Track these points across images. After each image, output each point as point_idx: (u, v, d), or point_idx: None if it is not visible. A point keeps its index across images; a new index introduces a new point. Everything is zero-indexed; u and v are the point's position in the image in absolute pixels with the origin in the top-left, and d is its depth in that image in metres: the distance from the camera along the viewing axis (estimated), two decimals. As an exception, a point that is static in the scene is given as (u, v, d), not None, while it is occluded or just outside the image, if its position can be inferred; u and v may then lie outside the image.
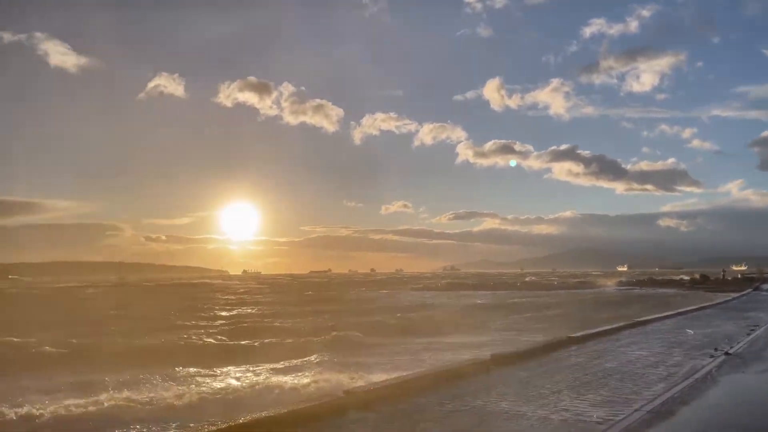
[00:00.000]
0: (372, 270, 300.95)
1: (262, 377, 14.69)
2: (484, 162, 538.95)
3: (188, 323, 30.06)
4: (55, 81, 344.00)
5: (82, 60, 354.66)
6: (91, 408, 10.74)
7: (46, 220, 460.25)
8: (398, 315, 33.90)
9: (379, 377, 11.77)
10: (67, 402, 11.34)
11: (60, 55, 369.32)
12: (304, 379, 13.54)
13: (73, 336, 23.64)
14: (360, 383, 10.29)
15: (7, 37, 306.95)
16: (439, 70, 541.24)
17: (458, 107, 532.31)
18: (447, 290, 74.91)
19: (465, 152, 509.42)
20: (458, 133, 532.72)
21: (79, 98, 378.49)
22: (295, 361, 17.13)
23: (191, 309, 41.61)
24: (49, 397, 12.03)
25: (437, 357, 16.55)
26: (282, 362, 17.01)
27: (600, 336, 13.73)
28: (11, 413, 10.47)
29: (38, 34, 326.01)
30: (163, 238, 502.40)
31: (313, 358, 17.82)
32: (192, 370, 15.12)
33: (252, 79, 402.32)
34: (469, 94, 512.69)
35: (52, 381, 14.26)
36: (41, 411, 10.64)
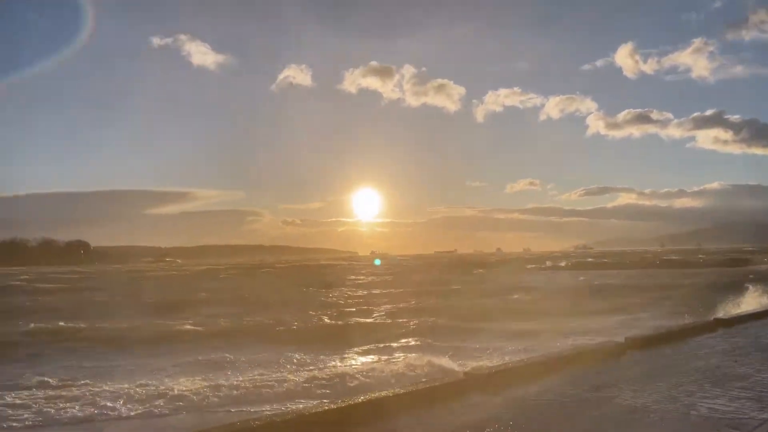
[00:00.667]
0: (498, 250, 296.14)
1: (366, 359, 14.94)
2: (617, 133, 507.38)
3: (305, 303, 31.04)
4: (198, 79, 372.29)
5: (220, 58, 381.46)
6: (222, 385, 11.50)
7: (197, 208, 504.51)
8: (514, 297, 32.48)
9: (484, 362, 11.48)
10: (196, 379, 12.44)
11: (201, 54, 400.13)
12: (406, 362, 13.54)
13: (214, 315, 25.65)
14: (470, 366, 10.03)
15: (156, 41, 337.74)
16: (565, 39, 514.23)
17: (587, 77, 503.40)
18: (576, 269, 71.29)
19: (596, 124, 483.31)
20: (588, 105, 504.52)
21: (218, 94, 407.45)
22: (394, 344, 17.09)
23: (311, 288, 43.37)
24: (182, 374, 13.20)
25: (549, 343, 15.74)
26: (382, 344, 17.09)
27: (755, 318, 12.30)
28: (140, 389, 11.41)
29: (182, 36, 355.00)
30: (298, 222, 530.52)
31: (412, 341, 17.70)
32: (297, 354, 15.52)
33: (374, 64, 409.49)
34: (599, 63, 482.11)
35: (184, 359, 15.50)
36: (173, 387, 11.55)
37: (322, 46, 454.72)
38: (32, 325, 22.40)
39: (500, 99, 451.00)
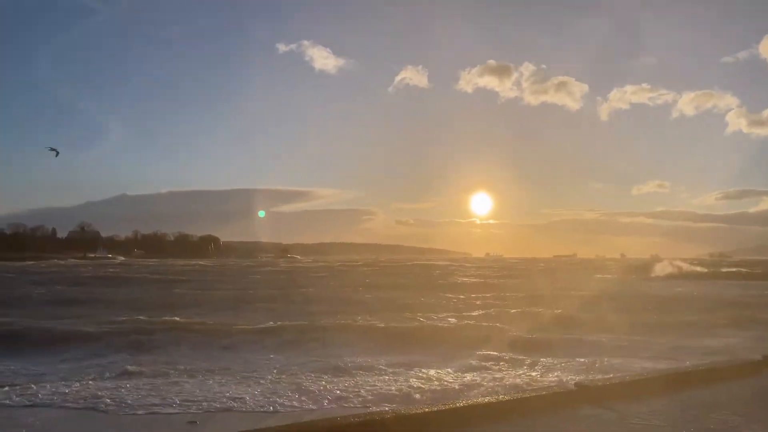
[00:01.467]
0: (622, 255, 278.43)
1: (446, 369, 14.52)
2: (762, 132, 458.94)
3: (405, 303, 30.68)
4: (320, 82, 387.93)
5: (340, 61, 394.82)
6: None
7: (317, 206, 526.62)
8: (636, 305, 29.76)
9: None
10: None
11: (322, 59, 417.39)
12: (481, 374, 13.13)
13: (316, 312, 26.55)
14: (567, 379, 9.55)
15: (282, 47, 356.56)
16: (700, 30, 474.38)
17: (727, 70, 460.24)
18: (709, 279, 65.30)
19: (737, 121, 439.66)
20: (727, 100, 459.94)
21: (338, 96, 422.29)
22: (494, 352, 16.37)
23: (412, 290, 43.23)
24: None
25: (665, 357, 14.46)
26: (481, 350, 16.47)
27: None
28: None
29: (305, 42, 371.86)
30: (411, 221, 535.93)
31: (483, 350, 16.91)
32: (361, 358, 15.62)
33: (491, 62, 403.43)
34: (741, 55, 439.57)
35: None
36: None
37: (438, 46, 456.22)
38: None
39: (627, 96, 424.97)
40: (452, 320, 23.53)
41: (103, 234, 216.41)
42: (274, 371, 13.40)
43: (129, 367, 13.83)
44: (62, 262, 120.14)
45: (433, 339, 18.76)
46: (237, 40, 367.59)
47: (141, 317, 22.16)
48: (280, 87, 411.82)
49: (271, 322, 21.02)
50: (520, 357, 15.39)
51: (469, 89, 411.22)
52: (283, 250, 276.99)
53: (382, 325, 21.05)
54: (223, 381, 12.40)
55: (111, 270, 74.41)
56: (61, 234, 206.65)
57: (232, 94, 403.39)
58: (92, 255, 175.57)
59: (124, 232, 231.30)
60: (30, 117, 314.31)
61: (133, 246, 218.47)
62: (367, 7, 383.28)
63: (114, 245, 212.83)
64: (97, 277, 57.59)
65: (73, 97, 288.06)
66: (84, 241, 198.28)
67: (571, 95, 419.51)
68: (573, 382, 6.82)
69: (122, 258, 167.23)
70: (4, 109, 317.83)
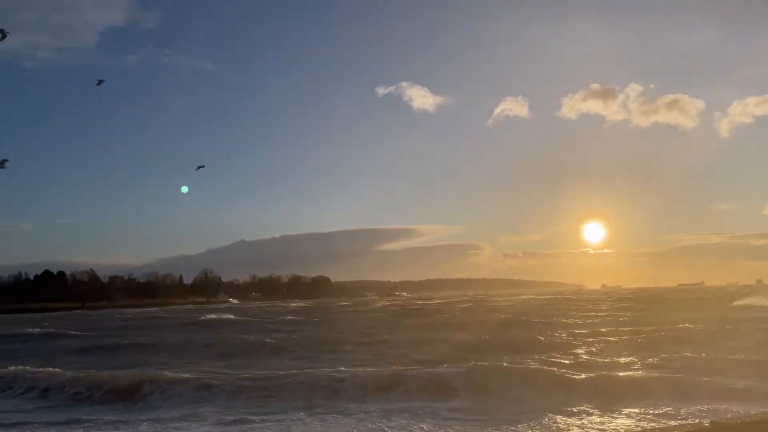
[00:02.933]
0: (758, 281, 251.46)
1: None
2: None
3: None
4: (419, 121, 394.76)
5: (438, 99, 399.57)
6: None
7: (421, 243, 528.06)
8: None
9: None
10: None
11: (420, 98, 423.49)
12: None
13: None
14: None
15: (381, 91, 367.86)
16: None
17: None
18: None
19: None
20: None
21: (438, 134, 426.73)
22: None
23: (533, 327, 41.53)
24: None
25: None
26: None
27: None
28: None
29: (404, 84, 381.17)
30: (520, 254, 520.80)
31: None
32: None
33: (595, 86, 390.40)
34: None
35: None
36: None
37: (537, 75, 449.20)
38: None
39: (749, 109, 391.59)
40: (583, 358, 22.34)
41: (224, 279, 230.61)
42: None
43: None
44: (190, 307, 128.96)
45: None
46: (338, 87, 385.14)
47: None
48: (380, 129, 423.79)
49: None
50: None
51: (573, 115, 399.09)
52: (391, 288, 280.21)
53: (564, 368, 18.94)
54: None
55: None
56: (187, 280, 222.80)
57: (337, 140, 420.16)
58: (214, 299, 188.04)
59: (242, 277, 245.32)
60: (159, 172, 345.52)
61: (251, 289, 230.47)
62: (461, 44, 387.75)
63: (234, 289, 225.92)
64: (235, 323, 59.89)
65: (195, 150, 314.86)
66: (207, 286, 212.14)
67: (684, 113, 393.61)
68: (708, 421, 6.69)
69: (236, 301, 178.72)
70: (134, 168, 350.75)
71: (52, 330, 48.56)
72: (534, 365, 19.39)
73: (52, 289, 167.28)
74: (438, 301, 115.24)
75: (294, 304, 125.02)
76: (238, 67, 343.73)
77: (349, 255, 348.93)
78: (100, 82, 49.14)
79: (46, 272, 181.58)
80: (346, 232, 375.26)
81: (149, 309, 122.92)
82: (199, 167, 52.88)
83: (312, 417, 13.92)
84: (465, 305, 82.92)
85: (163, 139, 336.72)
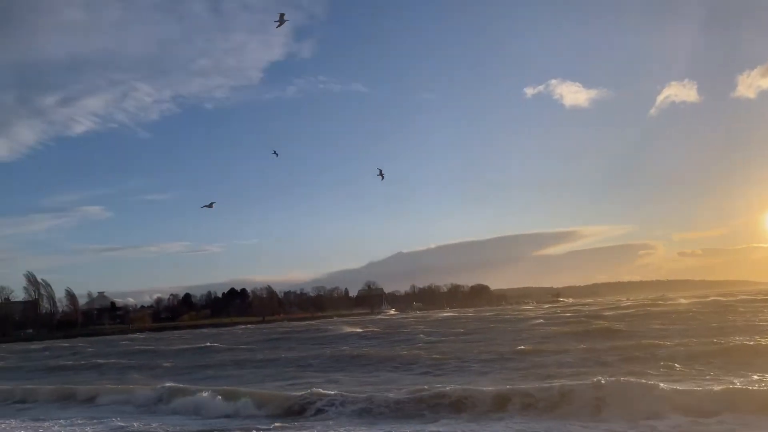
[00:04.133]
0: None
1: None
2: None
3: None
4: (572, 118, 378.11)
5: (592, 93, 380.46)
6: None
7: (584, 246, 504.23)
8: None
9: None
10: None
11: (573, 94, 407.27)
12: None
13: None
14: None
15: (530, 91, 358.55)
16: None
17: None
18: None
19: None
20: None
21: (594, 129, 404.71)
22: None
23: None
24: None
25: None
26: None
27: None
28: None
29: (553, 81, 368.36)
30: (699, 251, 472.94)
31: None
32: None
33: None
34: None
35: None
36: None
37: (705, 54, 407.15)
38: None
39: None
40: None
41: (386, 290, 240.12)
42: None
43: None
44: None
45: None
46: (486, 92, 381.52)
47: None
48: (532, 130, 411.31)
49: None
50: None
51: (751, 94, 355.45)
52: (555, 295, 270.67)
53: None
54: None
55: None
56: (352, 293, 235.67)
57: (487, 146, 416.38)
58: (377, 310, 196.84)
59: (403, 288, 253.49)
60: (322, 194, 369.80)
61: (411, 299, 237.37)
62: (611, 31, 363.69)
63: (395, 300, 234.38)
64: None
65: (353, 169, 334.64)
66: (370, 297, 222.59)
67: None
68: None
69: (393, 312, 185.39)
70: (300, 192, 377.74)
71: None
72: None
73: (237, 306, 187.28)
74: (629, 309, 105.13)
75: (445, 313, 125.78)
76: (390, 86, 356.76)
77: (507, 262, 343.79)
78: (276, 153, 56.57)
79: (232, 290, 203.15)
80: (502, 238, 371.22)
81: (316, 321, 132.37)
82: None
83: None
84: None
85: (323, 163, 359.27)
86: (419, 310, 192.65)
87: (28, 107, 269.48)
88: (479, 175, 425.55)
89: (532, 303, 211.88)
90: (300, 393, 18.53)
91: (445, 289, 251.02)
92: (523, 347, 30.19)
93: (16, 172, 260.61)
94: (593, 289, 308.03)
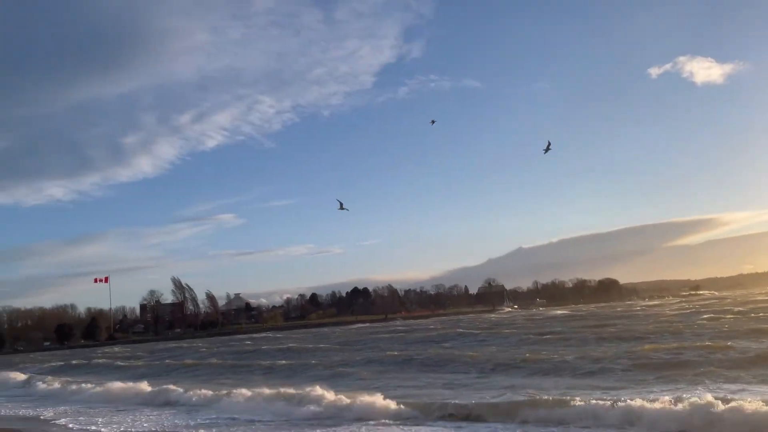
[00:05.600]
0: None
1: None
2: None
3: None
4: (706, 97, 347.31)
5: (727, 68, 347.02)
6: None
7: (725, 234, 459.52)
8: None
9: None
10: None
11: (705, 70, 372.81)
12: None
13: None
14: None
15: (655, 71, 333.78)
16: None
17: None
18: None
19: None
20: None
21: (730, 106, 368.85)
22: None
23: None
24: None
25: None
26: None
27: None
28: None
29: (681, 59, 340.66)
30: None
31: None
32: None
33: None
34: None
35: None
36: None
37: None
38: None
39: None
40: None
41: (507, 287, 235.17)
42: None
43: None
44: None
45: None
46: (605, 78, 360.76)
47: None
48: (659, 112, 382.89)
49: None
50: None
51: None
52: (693, 288, 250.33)
53: None
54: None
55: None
56: (472, 290, 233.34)
57: (608, 134, 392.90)
58: (499, 307, 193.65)
59: (524, 284, 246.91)
60: (439, 191, 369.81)
61: (534, 296, 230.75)
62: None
63: (517, 296, 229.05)
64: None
65: (469, 168, 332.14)
66: (491, 295, 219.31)
67: None
68: None
69: (511, 308, 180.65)
70: (412, 191, 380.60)
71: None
72: None
73: (360, 304, 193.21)
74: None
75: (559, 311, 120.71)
76: (502, 80, 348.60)
77: (637, 254, 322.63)
78: (433, 122, 59.11)
79: (355, 289, 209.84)
80: (630, 229, 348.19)
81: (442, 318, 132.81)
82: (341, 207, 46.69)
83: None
84: None
85: (439, 162, 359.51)
86: (542, 307, 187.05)
87: (167, 126, 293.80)
88: (600, 165, 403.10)
89: (668, 297, 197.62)
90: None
91: (570, 285, 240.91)
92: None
93: (159, 186, 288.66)
94: (739, 281, 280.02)
